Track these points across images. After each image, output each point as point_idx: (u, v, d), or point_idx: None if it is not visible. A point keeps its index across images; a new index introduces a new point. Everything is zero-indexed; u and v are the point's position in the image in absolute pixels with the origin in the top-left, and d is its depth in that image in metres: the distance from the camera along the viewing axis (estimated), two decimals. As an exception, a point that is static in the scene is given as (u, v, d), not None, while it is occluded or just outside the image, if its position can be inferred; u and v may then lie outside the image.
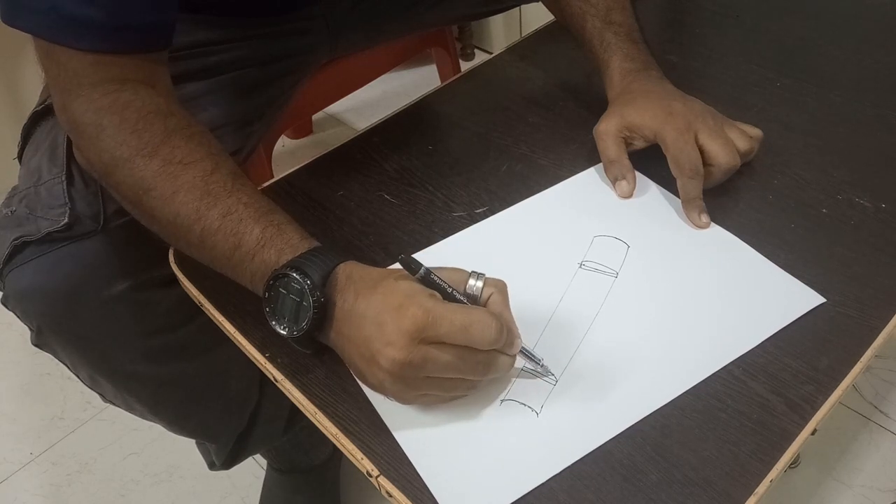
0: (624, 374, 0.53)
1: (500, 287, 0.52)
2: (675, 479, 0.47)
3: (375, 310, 0.48)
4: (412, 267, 0.50)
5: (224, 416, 0.83)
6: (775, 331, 0.54)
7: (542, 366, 0.53)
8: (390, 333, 0.47)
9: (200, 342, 0.72)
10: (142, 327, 0.68)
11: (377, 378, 0.49)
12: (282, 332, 0.52)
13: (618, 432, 0.49)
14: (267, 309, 0.52)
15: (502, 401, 0.52)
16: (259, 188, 0.69)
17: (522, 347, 0.52)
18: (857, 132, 0.71)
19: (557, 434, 0.50)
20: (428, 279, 0.50)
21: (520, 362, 0.53)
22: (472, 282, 0.51)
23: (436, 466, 0.48)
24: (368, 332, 0.48)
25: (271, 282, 0.51)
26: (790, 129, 0.72)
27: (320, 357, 0.55)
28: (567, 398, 0.52)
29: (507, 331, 0.49)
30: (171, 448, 1.19)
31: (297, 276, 0.50)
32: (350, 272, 0.51)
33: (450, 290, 0.50)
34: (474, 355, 0.48)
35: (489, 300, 0.51)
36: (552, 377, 0.53)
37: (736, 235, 0.62)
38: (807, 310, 0.55)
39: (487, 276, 0.51)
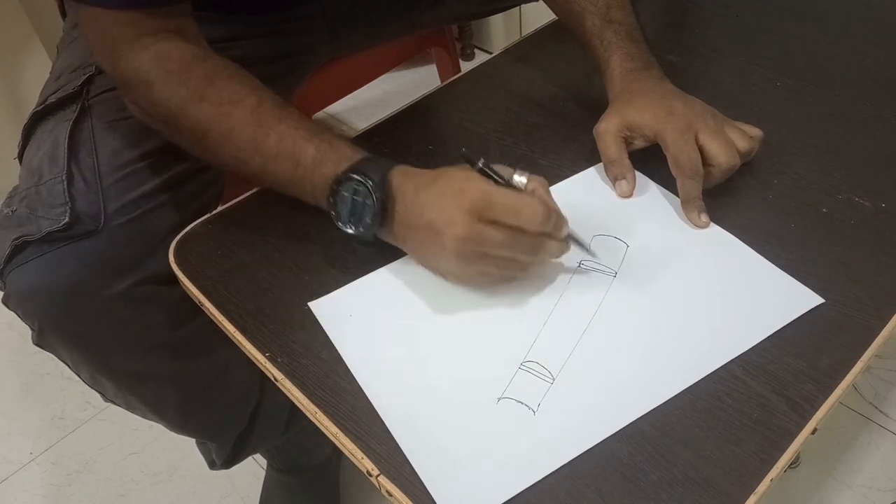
0: (621, 372, 0.53)
1: (543, 182, 0.57)
2: (675, 479, 0.47)
3: (437, 196, 0.54)
4: (471, 159, 0.55)
5: (224, 416, 0.83)
6: (773, 331, 0.54)
7: (595, 256, 0.59)
8: (452, 213, 0.53)
9: (201, 341, 0.73)
10: (142, 326, 0.68)
11: (440, 257, 0.55)
12: (349, 230, 0.58)
13: (614, 431, 0.49)
14: (332, 213, 0.58)
15: (499, 399, 0.52)
16: (259, 188, 0.69)
17: (572, 234, 0.57)
18: (857, 132, 0.71)
19: (554, 432, 0.50)
20: (484, 170, 0.55)
21: (574, 261, 0.59)
22: (517, 177, 0.56)
23: (432, 464, 0.48)
24: (431, 215, 0.54)
25: (335, 187, 0.57)
26: (790, 129, 0.72)
27: (320, 355, 0.55)
28: (564, 397, 0.52)
29: (554, 215, 0.54)
30: (171, 448, 1.19)
31: (359, 178, 0.56)
32: (405, 171, 0.58)
33: (503, 180, 0.55)
34: (525, 236, 0.54)
35: (534, 192, 0.56)
36: (611, 270, 0.59)
37: (736, 235, 0.62)
38: (805, 310, 0.55)
39: (530, 174, 0.57)
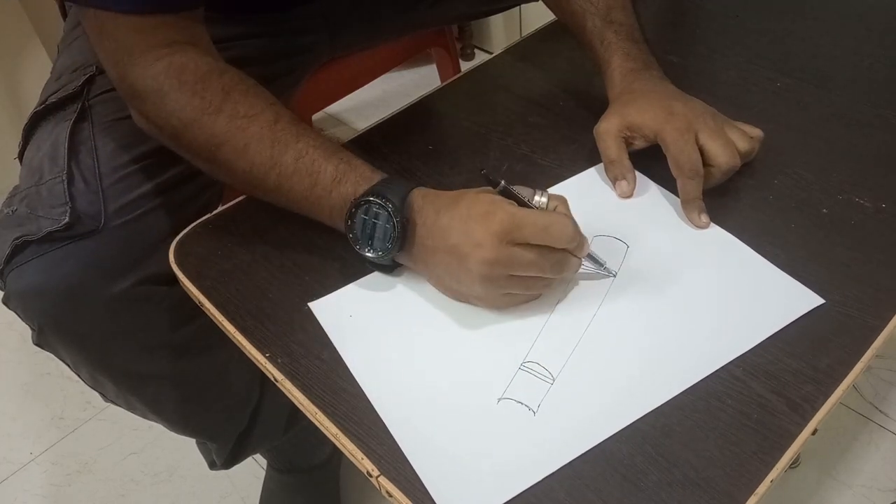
0: (621, 373, 0.53)
1: (563, 200, 0.58)
2: (675, 479, 0.47)
3: (461, 219, 0.54)
4: (493, 181, 0.55)
5: (225, 416, 0.83)
6: (773, 332, 0.54)
7: (605, 267, 0.59)
8: (479, 237, 0.53)
9: (201, 341, 0.73)
10: (143, 326, 0.68)
11: (465, 281, 0.55)
12: (368, 255, 0.57)
13: (615, 431, 0.49)
14: (350, 235, 0.57)
15: (500, 400, 0.52)
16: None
17: (590, 252, 0.58)
18: (857, 132, 0.71)
19: (554, 433, 0.50)
20: (506, 191, 0.55)
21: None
22: (537, 197, 0.56)
23: (432, 464, 0.48)
24: (456, 239, 0.54)
25: (353, 209, 0.56)
26: (790, 129, 0.72)
27: (320, 355, 0.55)
28: (564, 397, 0.52)
29: (579, 232, 0.55)
30: (171, 448, 1.19)
31: (379, 201, 0.55)
32: (425, 193, 0.57)
33: (525, 199, 0.55)
34: (553, 254, 0.54)
35: (556, 210, 0.57)
36: (611, 271, 0.59)
37: (736, 235, 0.62)
38: (805, 311, 0.55)
39: (549, 193, 0.57)
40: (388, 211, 0.55)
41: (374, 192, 0.56)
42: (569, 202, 0.58)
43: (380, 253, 0.56)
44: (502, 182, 0.55)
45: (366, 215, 0.56)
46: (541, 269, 0.54)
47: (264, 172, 0.59)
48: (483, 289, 0.54)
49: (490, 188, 0.56)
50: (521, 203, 0.55)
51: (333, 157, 0.59)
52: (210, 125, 0.59)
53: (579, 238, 0.55)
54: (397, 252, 0.57)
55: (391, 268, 0.60)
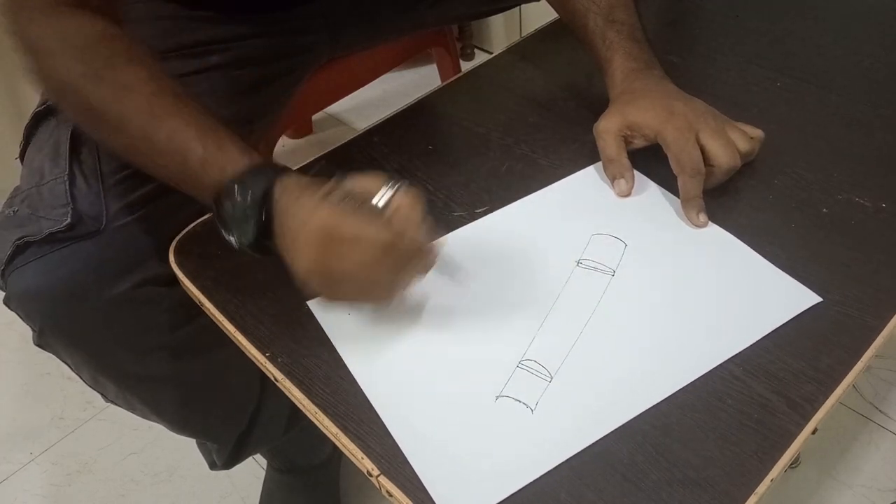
0: (619, 371, 0.53)
1: (412, 197, 0.54)
2: (675, 479, 0.47)
3: (293, 223, 0.53)
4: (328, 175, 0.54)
5: (225, 416, 0.83)
6: (770, 330, 0.54)
7: (451, 265, 0.59)
8: (301, 245, 0.52)
9: (202, 342, 0.73)
10: (144, 327, 0.68)
11: (303, 282, 0.53)
12: (232, 241, 0.56)
13: (613, 429, 0.49)
14: (217, 221, 0.56)
15: (497, 398, 0.52)
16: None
17: (445, 260, 0.57)
18: (857, 132, 0.71)
19: (553, 431, 0.50)
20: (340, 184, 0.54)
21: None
22: (375, 199, 0.54)
23: (431, 463, 0.48)
24: (288, 243, 0.53)
25: (216, 197, 0.55)
26: (790, 129, 0.72)
27: (321, 355, 0.55)
28: (562, 395, 0.52)
29: (400, 241, 0.52)
30: (171, 448, 1.19)
31: (239, 191, 0.54)
32: (285, 186, 0.54)
33: (355, 202, 0.53)
34: (375, 263, 0.52)
35: (398, 210, 0.54)
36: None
37: (736, 235, 0.62)
38: (803, 309, 0.56)
39: (404, 186, 0.54)
40: (248, 202, 0.54)
41: (238, 180, 0.54)
42: (568, 201, 0.58)
43: (243, 242, 0.55)
44: (337, 174, 0.54)
45: (230, 203, 0.55)
46: (356, 280, 0.53)
47: (138, 148, 0.58)
48: (319, 291, 0.55)
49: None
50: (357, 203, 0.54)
51: (204, 138, 0.56)
52: (90, 93, 0.57)
53: (404, 244, 0.52)
54: (260, 242, 0.55)
55: (266, 255, 0.57)
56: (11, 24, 0.59)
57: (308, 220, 0.52)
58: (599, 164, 0.68)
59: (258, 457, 1.12)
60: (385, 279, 0.54)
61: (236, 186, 0.54)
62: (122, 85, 0.57)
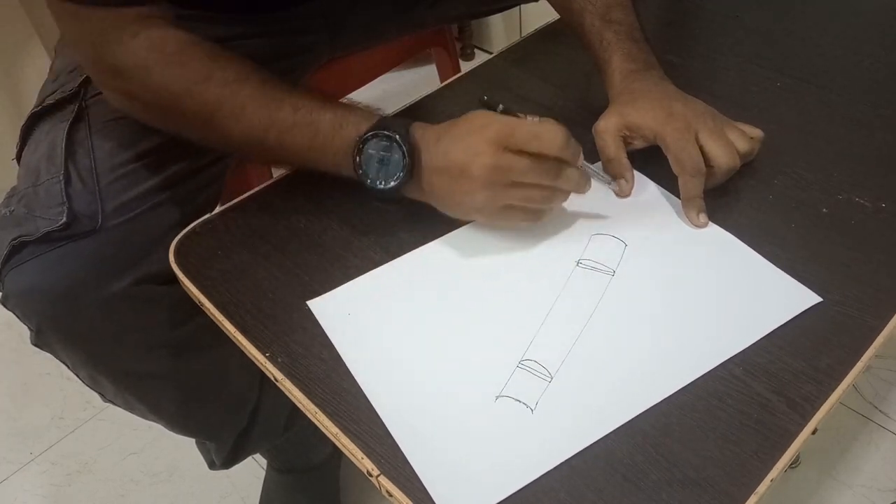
0: (619, 371, 0.53)
1: (555, 121, 0.59)
2: (675, 479, 0.47)
3: (460, 136, 0.57)
4: (492, 104, 0.61)
5: (224, 415, 0.83)
6: (770, 330, 0.54)
7: (602, 175, 0.64)
8: (478, 146, 0.56)
9: (200, 341, 0.73)
10: (141, 326, 0.68)
11: (468, 192, 0.57)
12: (379, 187, 0.60)
13: (613, 429, 0.49)
14: (360, 171, 0.60)
15: (497, 398, 0.52)
16: (259, 188, 0.69)
17: (585, 165, 0.61)
18: (857, 132, 0.71)
19: (553, 431, 0.50)
20: (504, 113, 0.59)
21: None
22: (530, 117, 0.59)
23: (431, 462, 0.48)
24: (457, 154, 0.57)
25: (361, 146, 0.59)
26: (790, 129, 0.72)
27: (320, 355, 0.55)
28: (562, 395, 0.52)
29: (572, 141, 0.57)
30: (171, 448, 1.19)
31: (387, 132, 0.58)
32: (423, 125, 0.60)
33: (521, 116, 0.59)
34: (547, 160, 0.57)
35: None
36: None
37: (736, 235, 0.62)
38: (803, 309, 0.55)
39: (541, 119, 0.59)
40: (395, 141, 0.58)
41: (378, 126, 0.59)
42: (568, 201, 0.58)
43: (392, 183, 0.59)
44: (501, 105, 0.59)
45: (374, 150, 0.59)
46: (537, 175, 0.57)
47: (263, 131, 0.61)
48: (484, 196, 0.57)
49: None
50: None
51: (329, 105, 0.61)
52: (202, 94, 0.60)
53: (573, 146, 0.57)
54: (407, 181, 0.59)
55: (398, 202, 0.62)
56: (94, 53, 0.61)
57: (482, 126, 0.56)
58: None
59: (258, 457, 1.12)
60: (552, 179, 0.58)
61: (381, 130, 0.58)
62: (231, 79, 0.61)
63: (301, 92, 0.61)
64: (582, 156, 0.60)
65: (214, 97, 0.60)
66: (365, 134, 0.59)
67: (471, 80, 0.83)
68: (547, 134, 0.56)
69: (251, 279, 0.62)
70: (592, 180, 0.62)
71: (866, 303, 0.56)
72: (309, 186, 0.70)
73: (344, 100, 0.64)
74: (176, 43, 0.60)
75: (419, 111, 0.80)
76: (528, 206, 0.59)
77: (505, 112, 0.59)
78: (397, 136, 0.58)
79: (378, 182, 0.59)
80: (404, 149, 0.58)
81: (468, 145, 0.56)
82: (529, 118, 0.60)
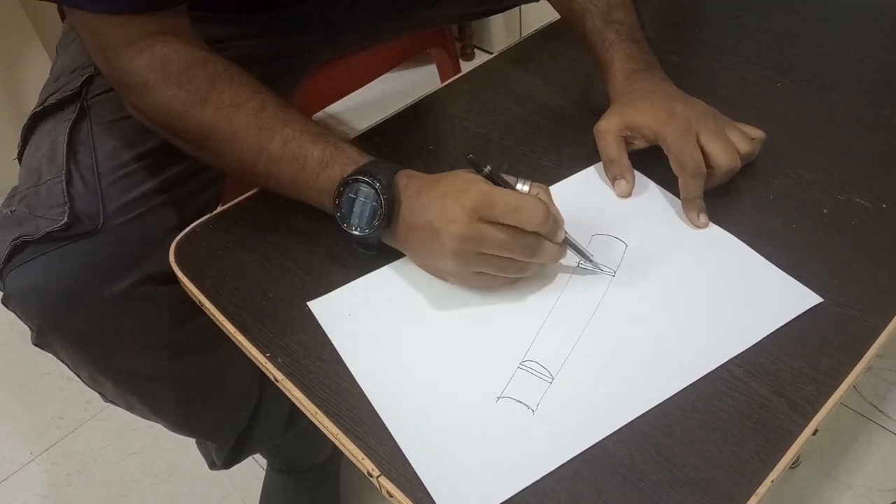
0: (619, 372, 0.53)
1: (545, 189, 0.58)
2: (676, 479, 0.47)
3: (439, 195, 0.55)
4: (478, 165, 0.56)
5: (224, 415, 0.83)
6: (771, 330, 0.54)
7: (591, 260, 0.59)
8: (452, 211, 0.54)
9: (201, 341, 0.73)
10: (143, 325, 0.68)
11: (438, 256, 0.56)
12: (355, 233, 0.58)
13: (614, 430, 0.49)
14: (338, 214, 0.58)
15: (498, 398, 0.52)
16: (258, 188, 0.69)
17: (568, 238, 0.57)
18: (857, 132, 0.71)
19: (554, 432, 0.50)
20: (490, 177, 0.56)
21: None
22: (520, 185, 0.57)
23: (431, 463, 0.48)
24: (432, 215, 0.55)
25: (341, 188, 0.58)
26: (790, 129, 0.72)
27: (321, 355, 0.55)
28: (563, 396, 0.52)
29: (552, 218, 0.55)
30: (171, 448, 1.19)
31: (367, 179, 0.57)
32: (410, 173, 0.59)
33: (506, 185, 0.56)
34: (524, 236, 0.54)
35: (536, 196, 0.57)
36: (609, 270, 0.59)
37: (736, 235, 0.62)
38: (803, 309, 0.55)
39: (533, 182, 0.58)
40: (375, 189, 0.56)
41: (363, 171, 0.57)
42: (568, 201, 0.58)
43: (367, 231, 0.58)
44: (488, 167, 0.55)
45: (354, 194, 0.57)
46: (510, 249, 0.54)
47: (253, 160, 0.61)
48: (455, 264, 0.55)
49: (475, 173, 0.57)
50: (502, 186, 0.56)
51: (320, 141, 0.60)
52: (197, 116, 0.60)
53: (552, 223, 0.55)
54: (384, 230, 0.58)
55: (376, 249, 0.60)
56: (106, 67, 0.62)
57: (460, 191, 0.54)
58: (600, 164, 0.68)
59: (258, 457, 1.12)
60: (526, 255, 0.55)
61: (361, 177, 0.57)
62: (227, 103, 0.60)
63: (297, 122, 0.60)
64: (564, 230, 0.57)
65: (208, 121, 0.60)
66: (348, 177, 0.57)
67: (471, 80, 0.83)
68: (527, 208, 0.53)
69: (251, 279, 0.62)
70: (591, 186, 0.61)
71: (867, 303, 0.56)
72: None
73: (342, 134, 0.63)
74: (179, 62, 0.60)
75: (419, 111, 0.80)
76: (500, 275, 0.57)
77: (492, 174, 0.55)
78: (377, 184, 0.56)
79: (354, 228, 0.58)
80: (383, 197, 0.56)
81: (443, 208, 0.54)
82: (520, 183, 0.56)
